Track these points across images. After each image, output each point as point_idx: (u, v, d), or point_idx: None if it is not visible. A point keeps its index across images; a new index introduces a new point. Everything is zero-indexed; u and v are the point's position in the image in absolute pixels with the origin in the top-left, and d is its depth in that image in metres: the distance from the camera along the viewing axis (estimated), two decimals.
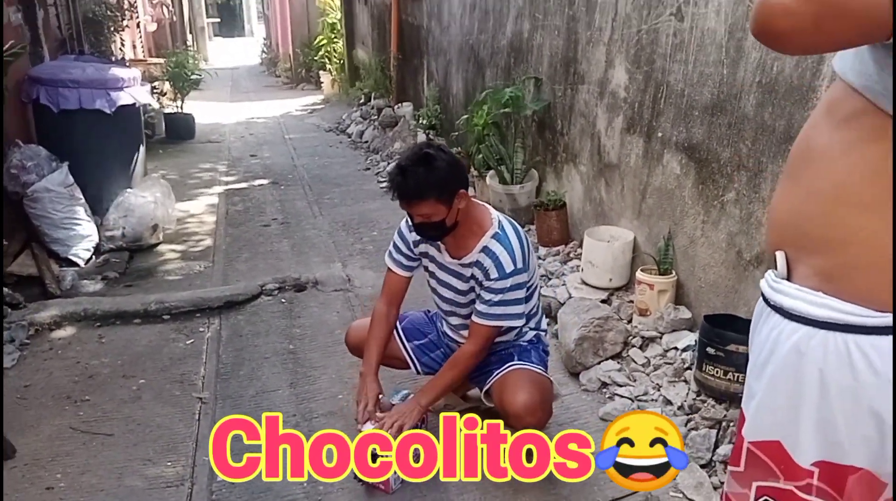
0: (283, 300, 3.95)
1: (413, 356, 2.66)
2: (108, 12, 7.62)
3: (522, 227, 4.43)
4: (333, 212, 5.66)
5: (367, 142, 8.03)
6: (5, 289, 3.75)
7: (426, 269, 2.53)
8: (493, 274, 2.30)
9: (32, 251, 4.26)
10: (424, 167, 2.20)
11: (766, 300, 1.15)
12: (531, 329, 2.54)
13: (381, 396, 2.42)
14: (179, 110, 8.91)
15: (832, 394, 1.06)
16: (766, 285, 1.16)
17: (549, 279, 3.84)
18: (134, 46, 10.79)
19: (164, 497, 2.39)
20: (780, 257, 1.14)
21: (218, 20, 27.58)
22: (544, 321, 2.63)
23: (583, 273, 3.61)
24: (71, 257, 4.38)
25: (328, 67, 11.99)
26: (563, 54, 4.13)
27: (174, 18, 15.93)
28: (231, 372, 3.21)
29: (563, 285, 3.67)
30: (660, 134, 3.19)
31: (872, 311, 1.01)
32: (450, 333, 2.61)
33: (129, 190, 4.98)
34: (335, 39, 11.83)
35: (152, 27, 12.97)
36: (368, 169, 6.98)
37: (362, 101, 9.61)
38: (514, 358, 2.44)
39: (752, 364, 1.21)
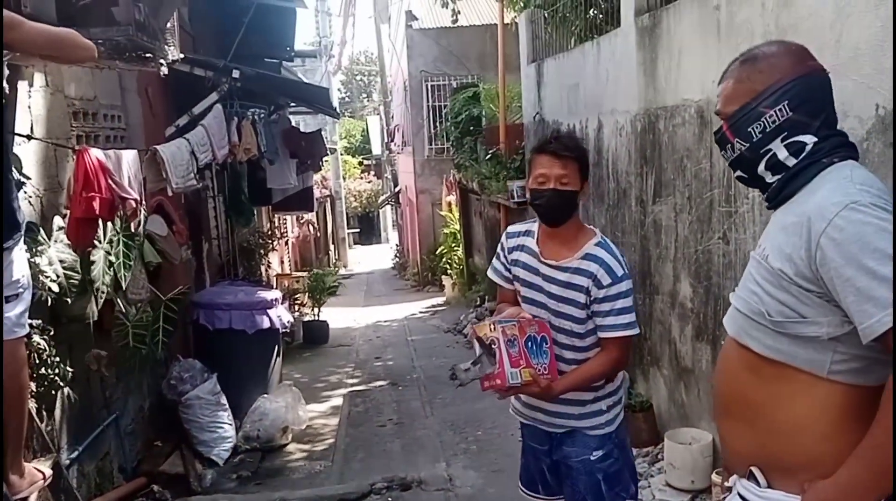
0: (389, 499, 4.31)
1: None
2: (261, 240, 8.99)
3: None
4: (444, 411, 6.08)
5: None
6: (156, 487, 4.38)
7: (516, 279, 2.48)
8: (606, 280, 2.29)
9: (182, 452, 4.94)
10: (574, 138, 2.49)
11: None
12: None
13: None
14: (316, 318, 9.95)
15: None
16: (749, 493, 1.50)
17: (639, 481, 3.99)
18: (282, 262, 12.33)
19: None
20: (757, 473, 1.49)
21: (358, 230, 30.50)
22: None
23: (666, 475, 3.76)
24: (212, 457, 5.01)
25: (449, 271, 13.01)
26: (640, 268, 4.57)
27: (318, 234, 17.95)
28: None
29: (649, 486, 3.82)
30: (723, 342, 3.47)
31: None
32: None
33: (265, 396, 5.70)
34: (455, 248, 12.93)
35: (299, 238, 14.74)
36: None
37: (478, 302, 10.32)
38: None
39: None
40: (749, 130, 1.47)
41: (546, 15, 7.17)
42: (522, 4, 9.16)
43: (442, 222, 14.40)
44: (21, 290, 2.59)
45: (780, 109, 1.44)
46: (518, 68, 8.31)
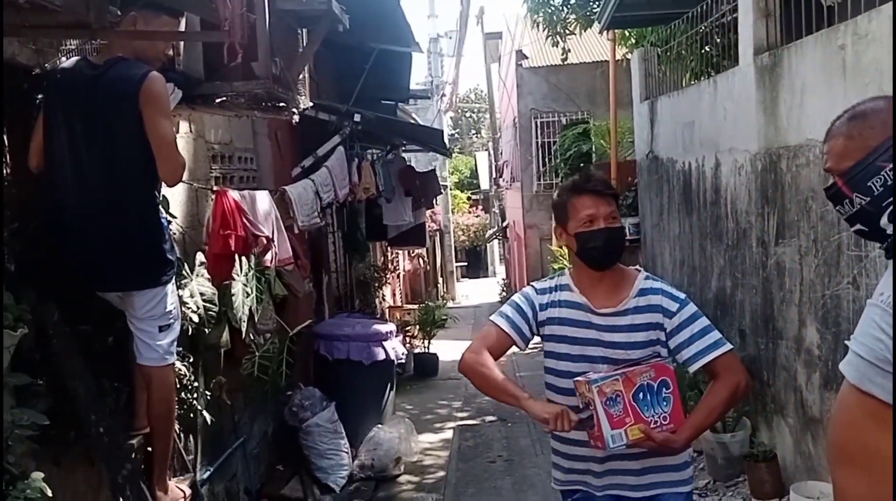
0: None
1: None
2: (375, 274, 9.31)
3: (738, 477, 4.50)
4: None
5: None
6: None
7: (554, 338, 2.27)
8: (673, 306, 2.17)
9: (301, 477, 5.16)
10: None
11: None
12: None
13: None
14: (426, 350, 10.14)
15: None
16: None
17: None
18: (394, 294, 12.67)
19: None
20: None
21: (465, 264, 30.81)
22: None
23: None
24: (330, 484, 5.20)
25: None
26: (761, 311, 4.42)
27: (428, 267, 18.30)
28: None
29: None
30: None
31: None
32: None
33: (379, 426, 5.87)
34: None
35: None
36: None
37: None
38: None
39: None
40: (869, 184, 1.49)
41: (659, 53, 7.15)
42: (634, 41, 9.15)
43: (550, 258, 14.36)
44: (172, 320, 2.85)
45: None
46: (628, 104, 8.28)
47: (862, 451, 1.52)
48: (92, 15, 2.23)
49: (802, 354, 3.89)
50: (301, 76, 4.22)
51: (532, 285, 2.37)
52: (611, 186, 2.24)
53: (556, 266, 13.54)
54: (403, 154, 10.15)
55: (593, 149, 10.39)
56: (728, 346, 2.14)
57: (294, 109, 3.80)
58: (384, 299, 10.40)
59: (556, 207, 2.29)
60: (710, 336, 2.14)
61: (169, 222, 3.64)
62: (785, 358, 4.13)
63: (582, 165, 10.64)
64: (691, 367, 2.15)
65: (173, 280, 2.90)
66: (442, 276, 22.25)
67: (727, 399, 2.15)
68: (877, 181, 1.48)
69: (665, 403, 2.09)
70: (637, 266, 2.33)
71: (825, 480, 3.66)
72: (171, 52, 2.93)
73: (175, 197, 3.92)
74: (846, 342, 1.62)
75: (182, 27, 3.03)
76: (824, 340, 3.63)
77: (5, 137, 2.62)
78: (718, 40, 5.68)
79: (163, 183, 2.82)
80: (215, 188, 4.20)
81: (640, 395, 2.08)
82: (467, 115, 42.11)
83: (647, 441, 2.06)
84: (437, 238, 21.69)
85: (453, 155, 31.67)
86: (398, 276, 13.27)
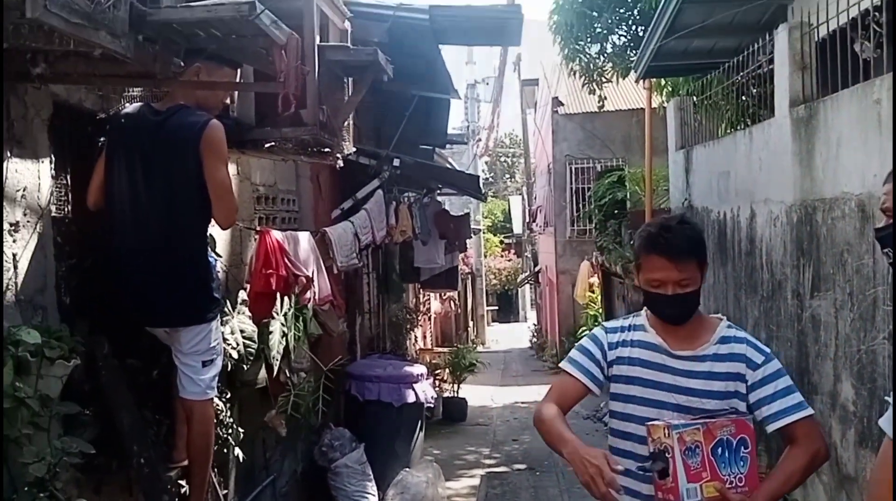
0: None
1: None
2: (408, 316, 9.39)
3: None
4: None
5: None
6: None
7: (622, 379, 2.12)
8: (758, 358, 2.03)
9: None
10: (689, 227, 2.07)
11: None
12: None
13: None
14: (455, 394, 10.12)
15: None
16: None
17: None
18: (424, 337, 12.71)
19: None
20: None
21: (496, 307, 30.75)
22: None
23: None
24: None
25: None
26: (796, 364, 4.38)
27: (459, 310, 18.33)
28: None
29: None
30: None
31: None
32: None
33: (407, 469, 5.87)
34: None
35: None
36: None
37: None
38: None
39: None
40: None
41: (695, 102, 7.22)
42: (670, 90, 9.25)
43: (583, 305, 14.29)
44: (215, 356, 2.95)
45: None
46: (663, 152, 8.34)
47: None
48: (158, 66, 2.39)
49: (837, 409, 3.84)
50: (346, 124, 4.38)
51: (602, 325, 2.28)
52: (689, 249, 2.00)
53: (590, 312, 13.50)
54: (438, 197, 10.32)
55: (628, 196, 10.43)
56: (811, 410, 2.01)
57: (338, 155, 3.94)
58: (416, 342, 10.46)
59: (634, 248, 2.18)
60: (794, 396, 1.99)
61: (215, 261, 3.78)
62: (819, 414, 4.07)
63: (616, 211, 10.68)
64: (770, 426, 1.99)
65: (218, 317, 3.01)
66: (472, 319, 22.23)
67: (806, 467, 1.98)
68: None
69: (742, 463, 1.93)
70: (719, 314, 2.22)
71: None
72: (228, 101, 3.09)
73: (220, 236, 4.06)
74: (886, 397, 1.64)
75: (238, 77, 3.20)
76: (860, 396, 3.59)
77: (66, 174, 2.78)
78: (755, 91, 5.74)
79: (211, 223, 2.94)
80: (259, 228, 4.35)
81: (719, 450, 1.92)
82: (502, 159, 42.45)
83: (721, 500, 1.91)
84: (469, 281, 21.74)
85: (487, 198, 31.90)
86: (429, 318, 13.32)
